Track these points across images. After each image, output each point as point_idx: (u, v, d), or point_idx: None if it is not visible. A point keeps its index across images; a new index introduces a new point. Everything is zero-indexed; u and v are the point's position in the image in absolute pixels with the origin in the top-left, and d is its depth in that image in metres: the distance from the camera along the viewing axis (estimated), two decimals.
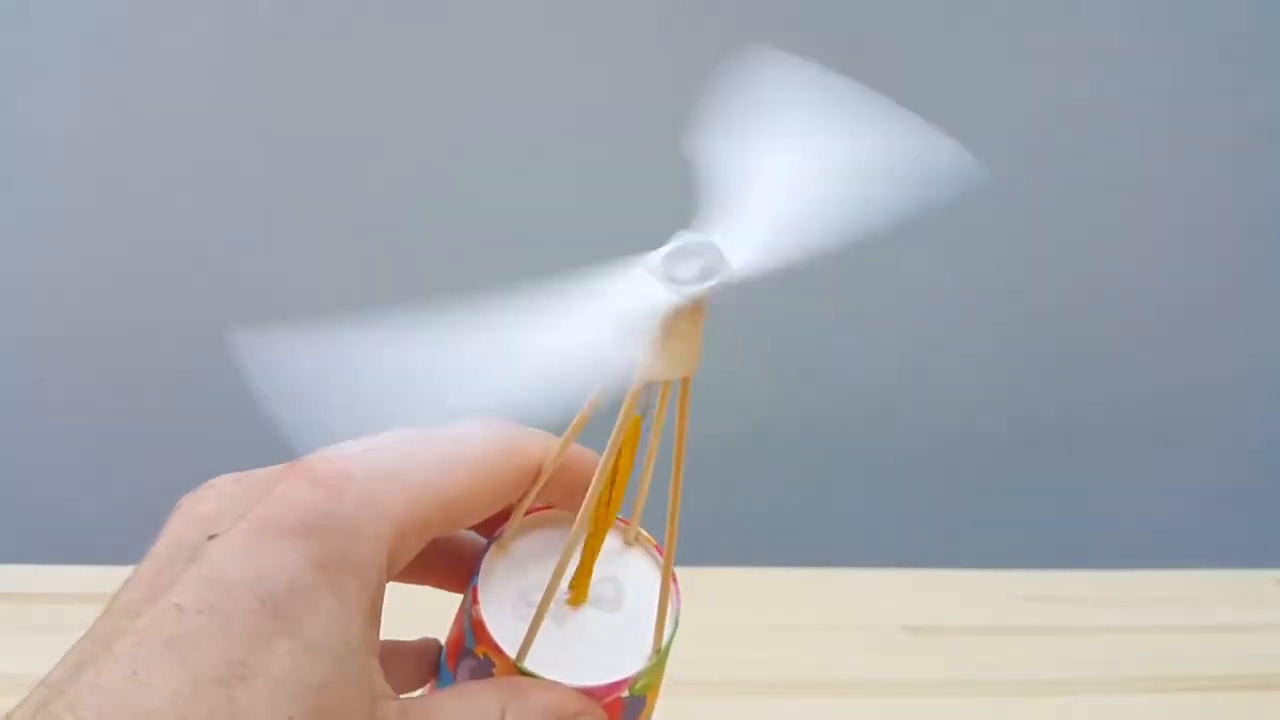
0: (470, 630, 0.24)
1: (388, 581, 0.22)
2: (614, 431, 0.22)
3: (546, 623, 0.24)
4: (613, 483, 0.24)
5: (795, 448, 0.76)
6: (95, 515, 0.75)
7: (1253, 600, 0.61)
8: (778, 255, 0.20)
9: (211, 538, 0.20)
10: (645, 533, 0.27)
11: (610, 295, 0.21)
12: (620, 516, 0.26)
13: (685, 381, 0.22)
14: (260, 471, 0.23)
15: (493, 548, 0.26)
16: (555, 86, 0.70)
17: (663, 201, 0.74)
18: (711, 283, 0.21)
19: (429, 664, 0.27)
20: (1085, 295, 0.77)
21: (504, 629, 0.24)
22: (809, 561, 0.61)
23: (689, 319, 0.21)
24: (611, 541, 0.27)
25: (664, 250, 0.21)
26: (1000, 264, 0.76)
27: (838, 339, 0.76)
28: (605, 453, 0.23)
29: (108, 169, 0.69)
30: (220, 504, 0.22)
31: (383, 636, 0.23)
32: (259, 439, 0.73)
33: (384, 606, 0.22)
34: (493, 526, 0.26)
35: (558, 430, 0.25)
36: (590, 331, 0.21)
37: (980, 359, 0.77)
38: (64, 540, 0.75)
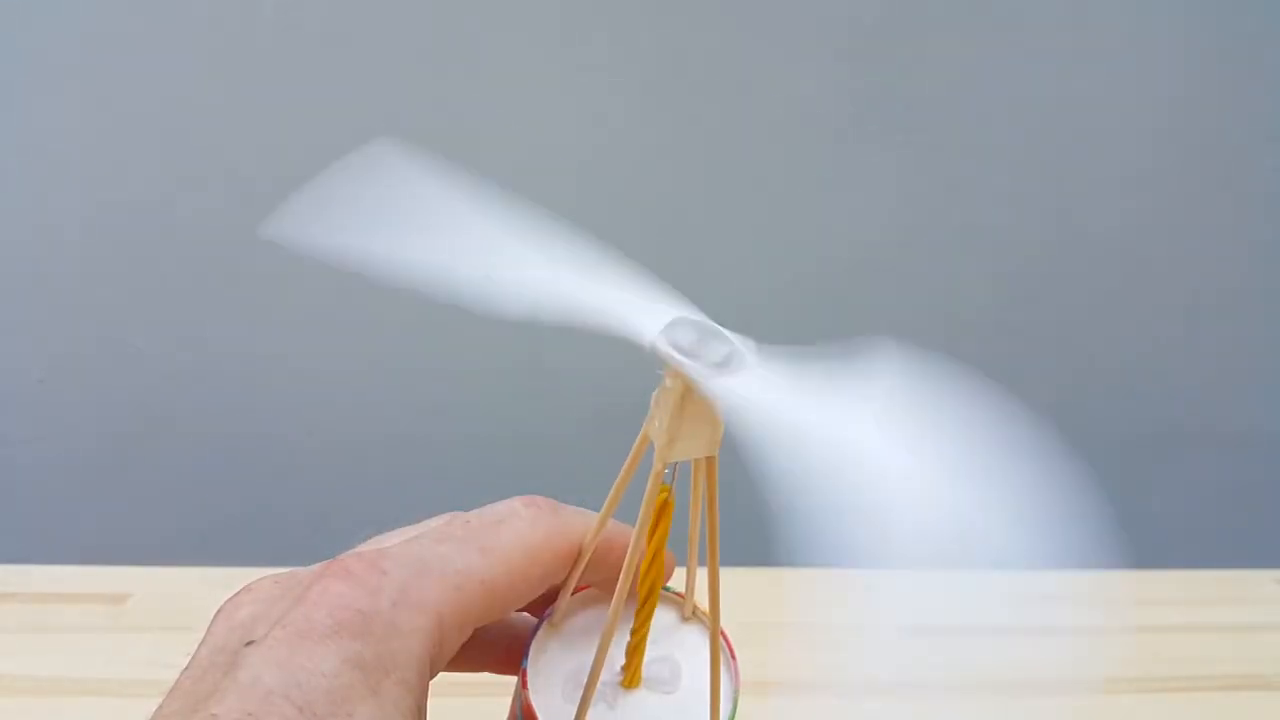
0: (521, 715, 0.24)
1: (436, 673, 0.22)
2: (642, 510, 0.22)
3: (598, 706, 0.23)
4: (652, 560, 0.23)
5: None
6: (95, 515, 0.75)
7: (1253, 600, 0.61)
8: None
9: (249, 644, 0.20)
10: (702, 607, 0.26)
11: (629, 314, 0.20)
12: (675, 591, 0.26)
13: (710, 460, 0.22)
14: (297, 572, 0.23)
15: (543, 628, 0.25)
16: (566, 97, 0.70)
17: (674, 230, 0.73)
18: (738, 374, 0.20)
19: None
20: (1085, 295, 0.77)
21: (553, 713, 0.23)
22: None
23: (706, 400, 0.20)
24: (666, 618, 0.26)
25: (685, 323, 0.20)
26: (1000, 264, 0.76)
27: (838, 338, 0.76)
28: (635, 531, 0.22)
29: (108, 169, 0.69)
30: (257, 608, 0.22)
31: None
32: (259, 438, 0.73)
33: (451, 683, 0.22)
34: (543, 605, 0.25)
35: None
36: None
37: (980, 358, 0.77)
38: (64, 540, 0.75)
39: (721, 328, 0.21)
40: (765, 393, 0.20)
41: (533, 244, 0.22)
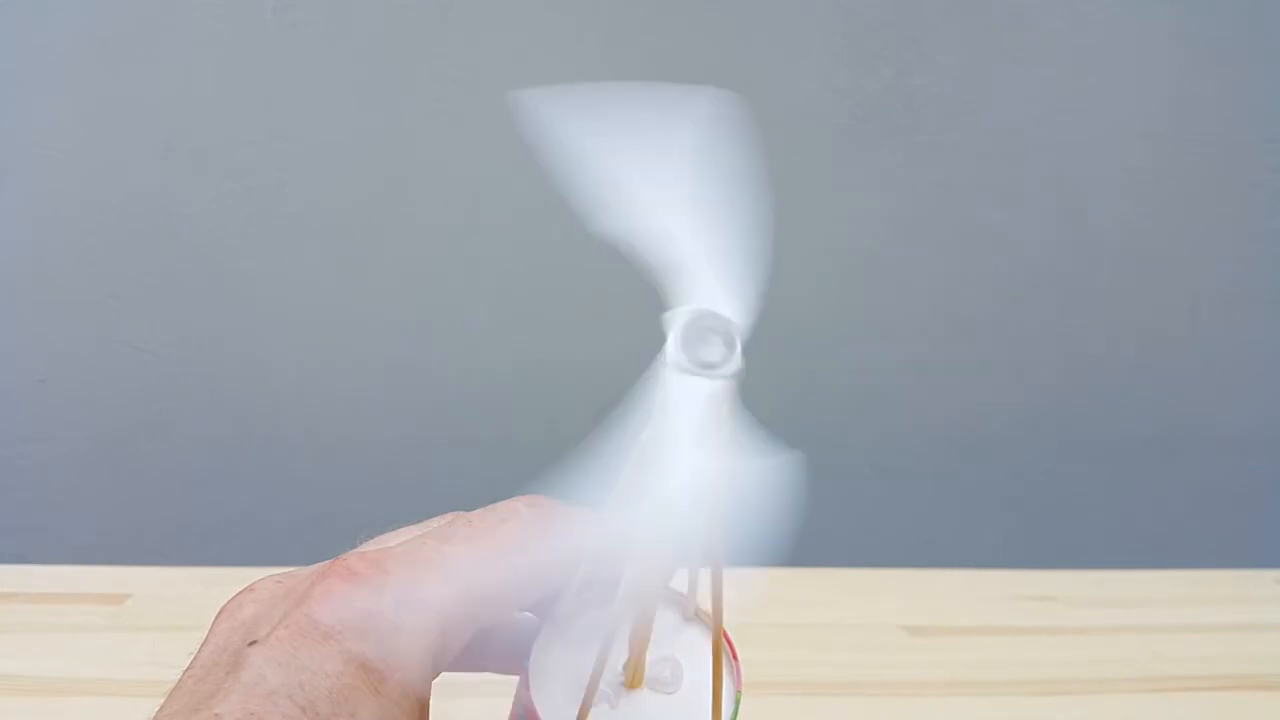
0: (523, 715, 0.24)
1: (439, 673, 0.22)
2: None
3: (600, 707, 0.23)
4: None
5: (796, 448, 0.76)
6: (95, 515, 0.75)
7: (1253, 600, 0.61)
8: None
9: (252, 644, 0.20)
10: (704, 607, 0.26)
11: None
12: (678, 591, 0.26)
13: None
14: (300, 571, 0.23)
15: (545, 628, 0.25)
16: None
17: None
18: (736, 354, 0.20)
19: None
20: (1085, 295, 0.77)
21: (555, 713, 0.23)
22: (809, 561, 0.61)
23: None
24: (669, 617, 0.26)
25: (678, 335, 0.20)
26: (1000, 264, 0.76)
27: (838, 338, 0.76)
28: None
29: (108, 168, 0.69)
30: (259, 608, 0.22)
31: None
32: (259, 438, 0.73)
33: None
34: (545, 605, 0.25)
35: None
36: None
37: (980, 359, 0.77)
38: (64, 540, 0.75)
39: (734, 326, 0.21)
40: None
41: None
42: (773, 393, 0.79)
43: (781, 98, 0.71)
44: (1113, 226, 0.76)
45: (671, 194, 0.21)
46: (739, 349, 0.20)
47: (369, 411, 0.74)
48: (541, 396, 0.75)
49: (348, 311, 0.72)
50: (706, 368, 0.20)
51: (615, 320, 0.71)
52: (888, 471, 0.79)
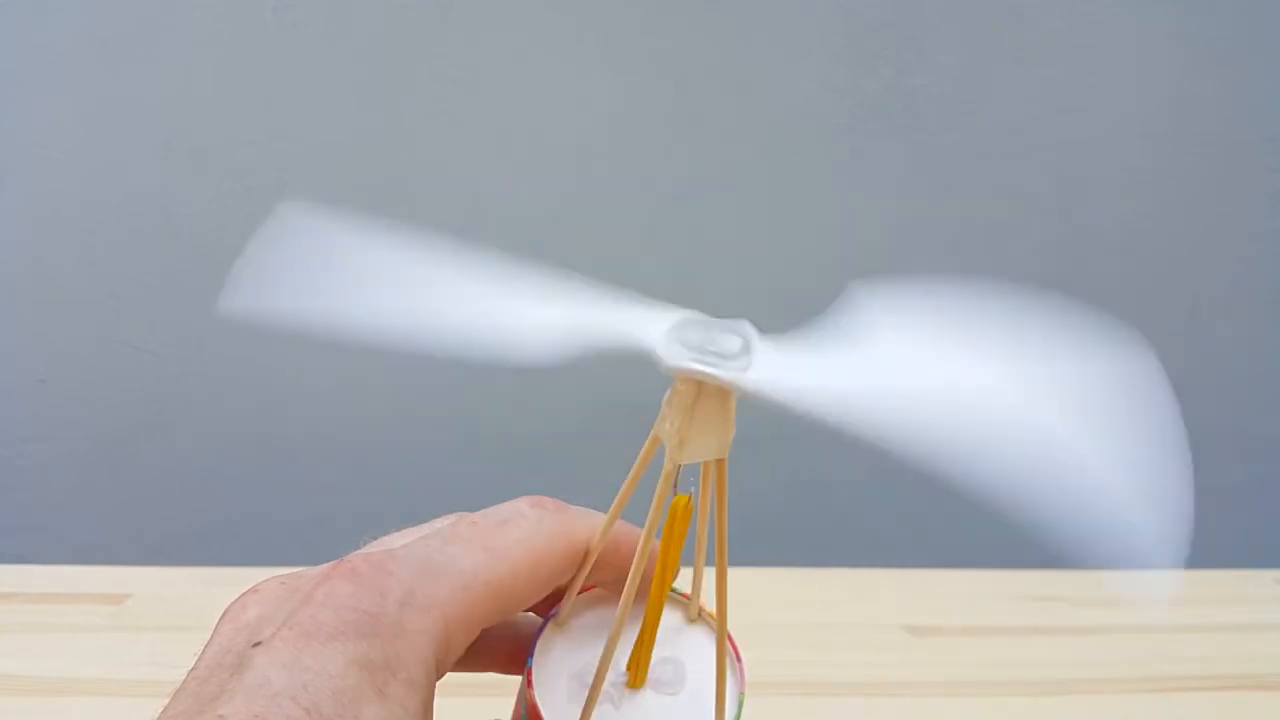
0: (525, 715, 0.24)
1: (443, 674, 0.22)
2: (650, 513, 0.22)
3: (603, 706, 0.23)
4: (664, 563, 0.23)
5: (795, 447, 0.76)
6: (95, 515, 0.75)
7: (1253, 600, 0.61)
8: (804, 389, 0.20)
9: (255, 645, 0.20)
10: (708, 609, 0.26)
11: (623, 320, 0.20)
12: (681, 592, 0.26)
13: (721, 463, 0.22)
14: (304, 572, 0.23)
15: (548, 627, 0.25)
16: (573, 91, 0.70)
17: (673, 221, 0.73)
18: (750, 374, 0.20)
19: None
20: (1085, 295, 0.77)
21: (558, 713, 0.23)
22: (809, 561, 0.61)
23: (718, 402, 0.20)
24: (672, 619, 0.26)
25: (689, 324, 0.20)
26: (1000, 264, 0.76)
27: None
28: (643, 534, 0.22)
29: (108, 168, 0.69)
30: (263, 609, 0.22)
31: None
32: (259, 439, 0.73)
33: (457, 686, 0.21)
34: (549, 605, 0.25)
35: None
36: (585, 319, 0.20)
37: None
38: (64, 540, 0.75)
39: (722, 320, 0.21)
40: (798, 371, 0.20)
41: (503, 285, 0.22)
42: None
43: (781, 98, 0.71)
44: (1113, 226, 0.76)
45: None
46: (752, 345, 0.20)
47: (369, 412, 0.74)
48: (543, 397, 0.75)
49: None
50: (718, 359, 0.20)
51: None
52: (888, 471, 0.79)
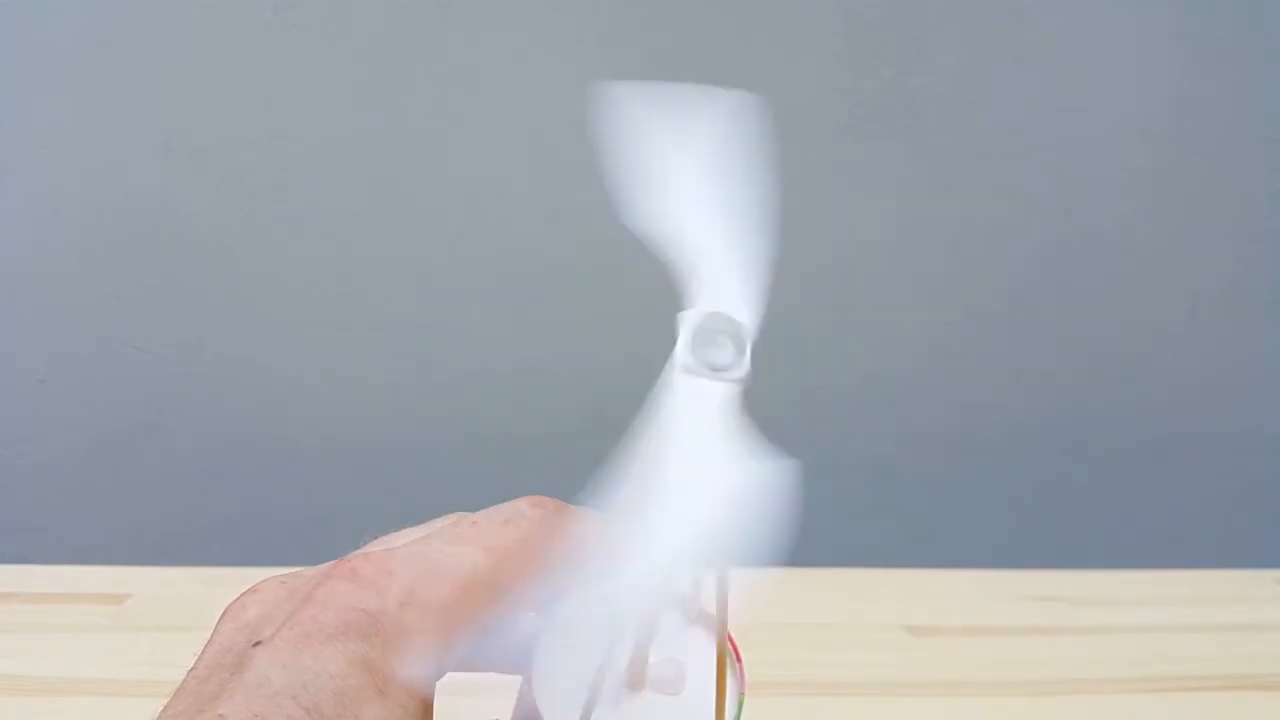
0: (526, 717, 0.24)
1: (443, 674, 0.22)
2: None
3: (603, 707, 0.23)
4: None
5: (795, 448, 0.76)
6: (95, 515, 0.75)
7: (1253, 600, 0.61)
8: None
9: (255, 645, 0.20)
10: (709, 609, 0.26)
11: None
12: (681, 592, 0.26)
13: None
14: (305, 572, 0.23)
15: (549, 629, 0.25)
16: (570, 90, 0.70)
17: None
18: (745, 358, 0.20)
19: None
20: (1085, 295, 0.77)
21: (558, 713, 0.23)
22: (809, 562, 0.61)
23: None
24: (672, 618, 0.26)
25: (688, 338, 0.20)
26: (1001, 264, 0.76)
27: (838, 338, 0.76)
28: None
29: (108, 168, 0.69)
30: (264, 609, 0.22)
31: None
32: (259, 438, 0.73)
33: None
34: (548, 606, 0.25)
35: None
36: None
37: (981, 359, 0.77)
38: (64, 540, 0.75)
39: (744, 329, 0.21)
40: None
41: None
42: (772, 392, 0.78)
43: (781, 98, 0.70)
44: (1113, 226, 0.76)
45: (686, 193, 0.21)
46: (748, 353, 0.20)
47: (369, 411, 0.74)
48: (544, 397, 0.75)
49: (347, 311, 0.72)
50: (715, 370, 0.20)
51: (617, 321, 0.71)
52: (888, 471, 0.79)
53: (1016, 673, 0.52)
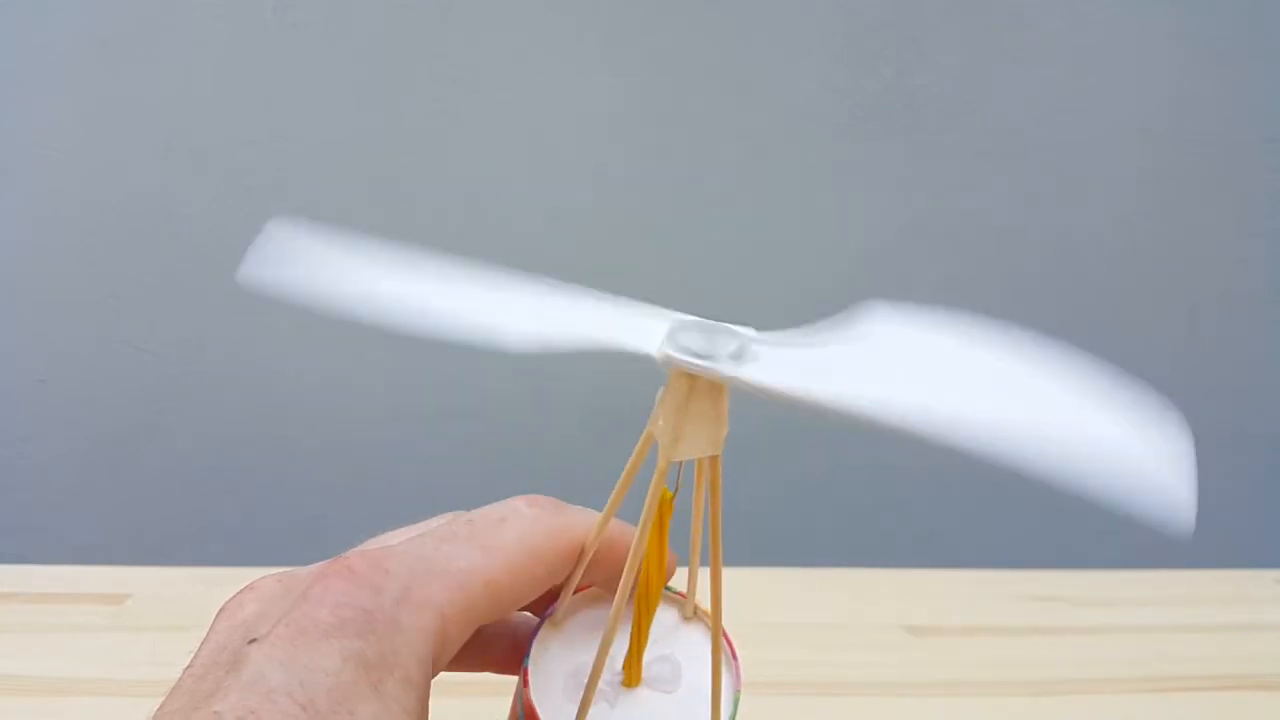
0: (522, 714, 0.24)
1: (439, 672, 0.22)
2: (644, 511, 0.22)
3: (599, 705, 0.23)
4: (655, 559, 0.23)
5: (795, 447, 0.76)
6: (95, 515, 0.75)
7: (1253, 600, 0.61)
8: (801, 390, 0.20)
9: (251, 642, 0.20)
10: (704, 607, 0.26)
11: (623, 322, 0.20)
12: (677, 591, 0.26)
13: (714, 459, 0.21)
14: (300, 570, 0.23)
15: (544, 626, 0.25)
16: (573, 90, 0.70)
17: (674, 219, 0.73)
18: (745, 369, 0.20)
19: None
20: (1085, 295, 0.77)
21: (554, 712, 0.23)
22: (809, 561, 0.61)
23: (710, 398, 0.20)
24: (667, 617, 0.26)
25: (687, 325, 0.20)
26: (1000, 264, 0.76)
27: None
28: (637, 532, 0.22)
29: (108, 168, 0.69)
30: (260, 607, 0.22)
31: None
32: (259, 439, 0.73)
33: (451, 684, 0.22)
34: (545, 604, 0.25)
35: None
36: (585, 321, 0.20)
37: None
38: (64, 540, 0.75)
39: (718, 321, 0.21)
40: (795, 364, 0.20)
41: (503, 284, 0.22)
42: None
43: (781, 98, 0.71)
44: (1113, 226, 0.76)
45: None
46: (746, 345, 0.20)
47: (368, 412, 0.74)
48: (541, 396, 0.75)
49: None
50: (709, 361, 0.20)
51: None
52: (888, 471, 0.79)
53: (1016, 673, 0.52)
